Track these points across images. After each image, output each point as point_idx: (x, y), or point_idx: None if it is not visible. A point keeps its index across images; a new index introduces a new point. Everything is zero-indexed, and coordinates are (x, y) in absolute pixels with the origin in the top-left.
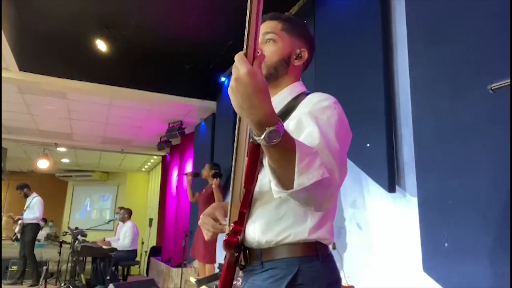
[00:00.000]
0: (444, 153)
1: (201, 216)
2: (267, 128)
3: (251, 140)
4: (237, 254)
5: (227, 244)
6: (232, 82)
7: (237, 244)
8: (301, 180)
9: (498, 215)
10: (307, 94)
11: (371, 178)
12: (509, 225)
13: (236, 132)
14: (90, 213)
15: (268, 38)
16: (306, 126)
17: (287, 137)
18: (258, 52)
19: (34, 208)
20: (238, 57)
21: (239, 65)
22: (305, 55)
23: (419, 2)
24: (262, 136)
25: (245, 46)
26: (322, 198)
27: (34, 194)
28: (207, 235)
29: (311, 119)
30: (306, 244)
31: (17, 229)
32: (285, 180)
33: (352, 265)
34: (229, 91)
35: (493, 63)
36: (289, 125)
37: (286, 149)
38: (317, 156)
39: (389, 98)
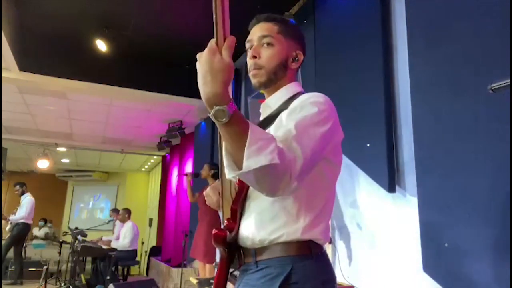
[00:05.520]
0: (444, 153)
1: (209, 187)
2: (214, 106)
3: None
4: (227, 249)
5: (215, 238)
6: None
7: (224, 239)
8: (248, 163)
9: (498, 215)
10: (303, 93)
11: (371, 178)
12: (509, 225)
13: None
14: (90, 213)
15: (266, 42)
16: (285, 121)
17: (239, 120)
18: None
19: (22, 208)
20: (209, 44)
21: (207, 48)
22: (301, 57)
23: (419, 2)
24: (210, 114)
25: (215, 34)
26: (272, 183)
27: (27, 194)
28: (208, 201)
29: (291, 115)
30: (299, 243)
31: (7, 228)
32: (236, 161)
33: (352, 265)
34: None
35: (493, 63)
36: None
37: (237, 131)
38: (271, 142)
39: (389, 98)
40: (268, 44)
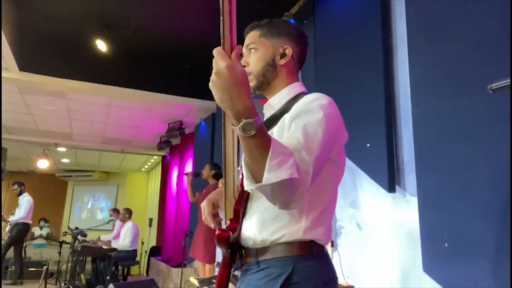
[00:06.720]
0: (444, 153)
1: (205, 199)
2: (243, 119)
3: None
4: (229, 250)
5: (218, 239)
6: (212, 76)
7: (227, 240)
8: (269, 176)
9: (498, 215)
10: (306, 94)
11: (371, 178)
12: (509, 225)
13: (222, 128)
14: (90, 213)
15: (250, 48)
16: (292, 126)
17: (263, 133)
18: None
19: (21, 208)
20: (217, 51)
21: (219, 59)
22: (289, 51)
23: (419, 2)
24: (238, 126)
25: (222, 40)
26: (287, 197)
27: (26, 194)
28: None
29: (297, 119)
30: (300, 244)
31: (7, 228)
32: (255, 173)
33: (352, 265)
34: (210, 85)
35: (493, 63)
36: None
37: (260, 144)
38: (290, 157)
39: (389, 98)
40: (253, 49)
